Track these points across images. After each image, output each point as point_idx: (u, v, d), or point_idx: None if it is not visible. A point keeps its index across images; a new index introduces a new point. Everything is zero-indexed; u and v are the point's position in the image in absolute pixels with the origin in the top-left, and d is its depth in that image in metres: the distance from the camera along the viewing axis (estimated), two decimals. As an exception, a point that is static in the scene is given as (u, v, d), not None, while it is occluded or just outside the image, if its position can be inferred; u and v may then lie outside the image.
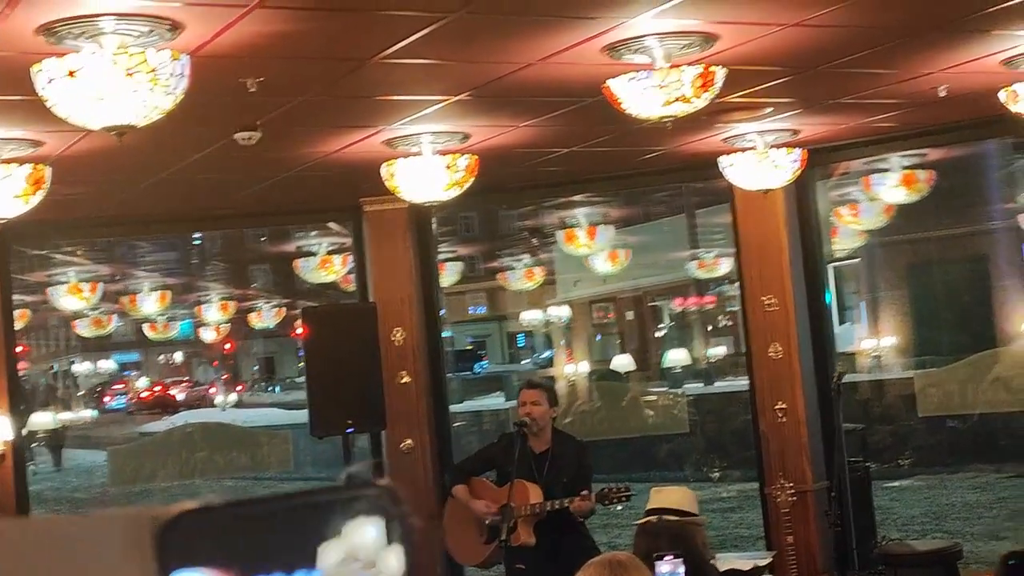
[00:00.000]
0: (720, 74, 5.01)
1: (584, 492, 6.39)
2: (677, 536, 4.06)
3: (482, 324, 48.79)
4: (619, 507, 6.59)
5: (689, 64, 4.97)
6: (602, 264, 11.86)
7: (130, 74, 3.99)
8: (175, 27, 4.14)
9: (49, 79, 4.05)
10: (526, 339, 47.35)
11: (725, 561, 6.16)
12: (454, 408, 21.38)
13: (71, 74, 4.00)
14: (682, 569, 3.27)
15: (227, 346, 44.12)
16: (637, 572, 3.46)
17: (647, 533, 4.31)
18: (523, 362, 43.09)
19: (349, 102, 5.72)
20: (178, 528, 0.60)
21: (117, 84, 3.99)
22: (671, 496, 5.32)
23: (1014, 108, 5.98)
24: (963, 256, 20.26)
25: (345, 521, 0.61)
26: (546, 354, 37.75)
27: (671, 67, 4.90)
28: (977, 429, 14.58)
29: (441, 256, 12.55)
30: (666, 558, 3.28)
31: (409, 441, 8.15)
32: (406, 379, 8.15)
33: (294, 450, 11.67)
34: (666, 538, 4.09)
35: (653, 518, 4.65)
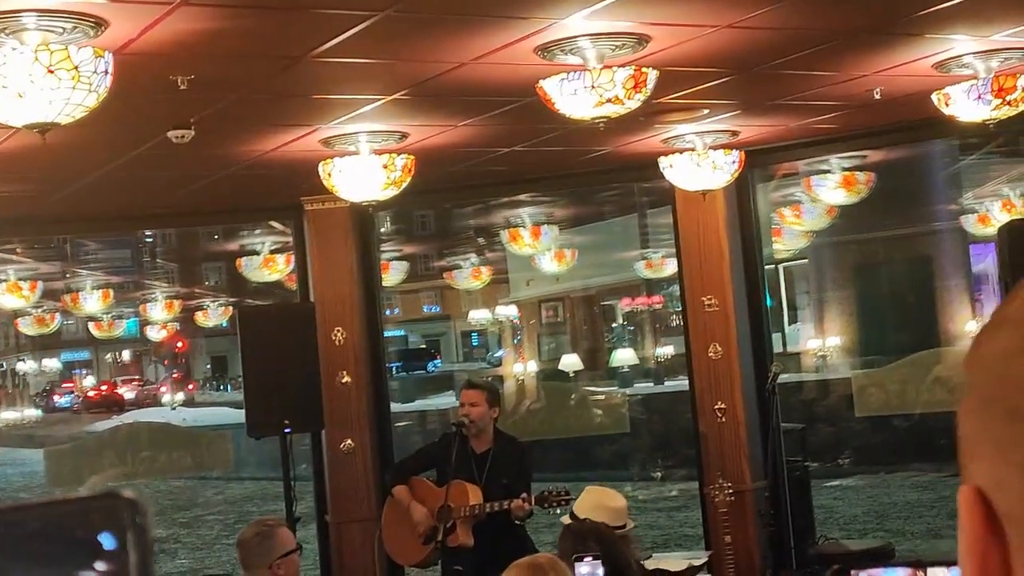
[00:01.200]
0: (652, 75, 5.02)
1: (523, 495, 6.39)
2: (600, 537, 4.06)
3: (436, 323, 48.76)
4: (558, 510, 6.58)
5: (622, 65, 4.97)
6: (548, 264, 11.88)
7: (51, 71, 3.94)
8: (99, 24, 4.10)
9: (-31, 75, 3.99)
10: (480, 338, 47.39)
11: (659, 561, 6.19)
12: (404, 408, 21.42)
13: (-9, 70, 3.95)
14: (601, 571, 3.27)
15: (179, 344, 43.85)
16: (557, 574, 3.46)
17: (572, 533, 4.32)
18: (477, 361, 43.11)
19: (284, 100, 5.68)
20: None
21: (38, 81, 3.94)
22: (585, 504, 5.32)
23: (947, 111, 6.03)
24: (908, 256, 20.46)
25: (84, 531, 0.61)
26: (499, 353, 37.80)
27: (603, 68, 4.90)
28: (918, 429, 14.72)
29: (386, 255, 12.53)
30: (585, 559, 3.28)
31: (349, 441, 8.11)
32: (346, 379, 8.11)
33: (237, 450, 11.61)
34: (592, 538, 4.10)
35: (575, 520, 4.66)
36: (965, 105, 5.87)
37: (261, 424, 7.68)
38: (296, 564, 5.02)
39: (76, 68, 3.98)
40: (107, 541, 0.61)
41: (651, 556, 6.59)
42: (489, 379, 12.49)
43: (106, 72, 4.10)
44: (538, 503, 6.39)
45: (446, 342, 48.77)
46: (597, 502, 5.34)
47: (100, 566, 0.61)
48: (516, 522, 6.55)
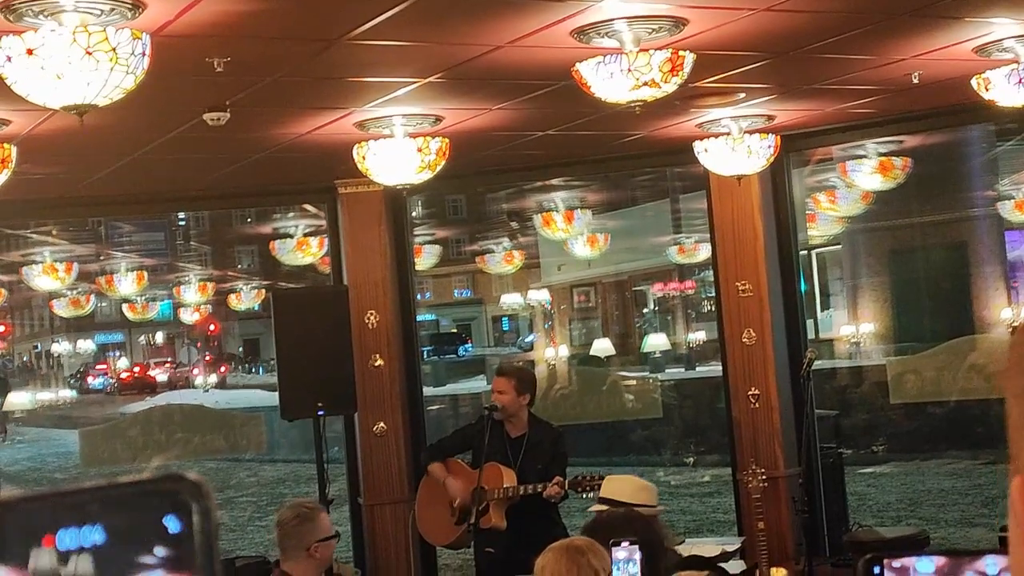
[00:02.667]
0: (689, 59, 4.99)
1: (558, 479, 6.40)
2: (633, 523, 4.05)
3: (467, 307, 48.81)
4: (591, 494, 6.59)
5: (658, 48, 4.95)
6: (581, 248, 11.86)
7: (90, 53, 3.96)
8: (136, 6, 4.11)
9: (8, 57, 4.01)
10: (511, 323, 47.42)
11: (693, 546, 6.17)
12: (435, 392, 21.47)
13: (30, 52, 3.96)
14: (638, 555, 3.26)
15: (211, 327, 44.07)
16: (594, 557, 3.45)
17: (604, 523, 4.31)
18: (508, 346, 43.14)
19: (319, 83, 5.69)
20: None
21: (76, 63, 3.95)
22: (621, 488, 5.32)
23: (987, 96, 5.97)
24: (943, 243, 20.29)
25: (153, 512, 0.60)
26: (530, 338, 37.81)
27: (640, 51, 4.88)
28: (953, 416, 14.62)
29: (419, 239, 12.53)
30: (623, 544, 3.28)
31: (382, 424, 8.14)
32: (379, 362, 8.13)
33: (270, 432, 11.67)
34: (626, 524, 4.09)
35: (602, 508, 4.66)
36: (1005, 90, 5.81)
37: (295, 407, 7.71)
38: (331, 550, 5.04)
39: (114, 50, 3.99)
40: (172, 524, 0.61)
41: (684, 541, 6.58)
42: (521, 364, 12.49)
43: (143, 54, 4.10)
44: (571, 487, 6.41)
45: (477, 326, 48.81)
46: (634, 484, 5.35)
47: (162, 551, 0.61)
48: (551, 504, 6.56)
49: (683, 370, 23.97)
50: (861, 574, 0.89)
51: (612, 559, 3.29)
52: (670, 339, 27.47)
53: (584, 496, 6.62)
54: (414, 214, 12.25)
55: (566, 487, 6.39)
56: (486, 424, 6.66)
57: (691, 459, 17.30)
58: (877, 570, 0.91)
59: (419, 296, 9.37)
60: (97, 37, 3.97)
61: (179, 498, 0.61)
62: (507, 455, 6.63)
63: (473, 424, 7.12)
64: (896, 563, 0.98)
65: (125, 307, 17.59)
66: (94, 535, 0.60)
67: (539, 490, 6.42)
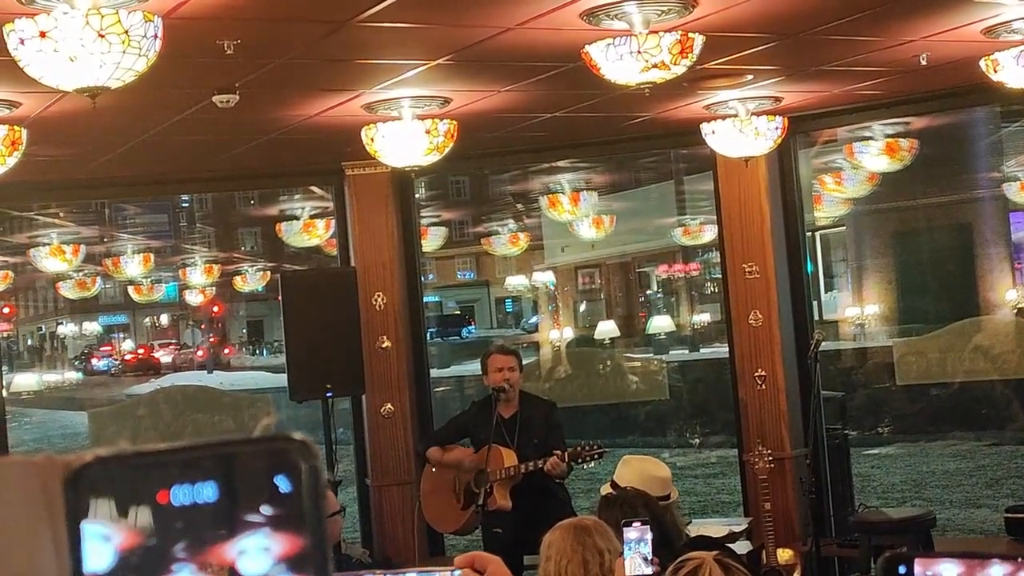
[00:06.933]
0: (698, 41, 4.99)
1: (557, 452, 6.42)
2: (647, 503, 4.07)
3: (471, 289, 48.77)
4: (591, 464, 6.64)
5: (668, 31, 4.95)
6: (587, 230, 11.86)
7: (102, 35, 3.96)
8: (148, -12, 4.11)
9: (21, 39, 4.02)
10: (514, 304, 47.39)
11: (701, 527, 6.20)
12: (440, 373, 21.48)
13: (43, 35, 3.97)
14: (650, 535, 3.27)
15: (215, 309, 44.06)
16: (601, 537, 3.48)
17: (618, 501, 4.34)
18: (512, 327, 43.15)
19: (328, 65, 5.69)
20: (89, 477, 0.60)
21: (89, 45, 3.96)
22: (642, 477, 5.33)
23: (995, 77, 5.97)
24: (948, 224, 20.28)
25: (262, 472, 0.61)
26: (533, 319, 37.81)
27: (649, 33, 4.88)
28: (957, 397, 14.64)
29: (425, 221, 12.55)
30: (634, 524, 3.29)
31: (389, 406, 8.16)
32: (387, 344, 8.15)
33: (277, 413, 11.69)
34: (640, 504, 4.11)
35: (617, 489, 4.68)
36: (1014, 71, 5.81)
37: (303, 388, 7.74)
38: (339, 526, 5.07)
39: (126, 32, 3.99)
40: (283, 484, 0.62)
41: (691, 522, 6.61)
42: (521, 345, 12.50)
43: (155, 36, 4.11)
44: (572, 459, 6.43)
45: (480, 308, 48.77)
46: (642, 472, 5.35)
47: (270, 509, 0.62)
48: (555, 482, 6.59)
49: (687, 352, 23.99)
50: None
51: (624, 539, 3.30)
52: (674, 321, 27.49)
53: (585, 467, 6.66)
54: (418, 196, 12.26)
55: (566, 459, 6.41)
56: (487, 406, 6.71)
57: (697, 440, 17.32)
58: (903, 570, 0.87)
59: (423, 278, 9.38)
60: (110, 19, 3.98)
61: (289, 458, 0.62)
62: (503, 436, 6.67)
63: (465, 412, 7.18)
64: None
65: (131, 289, 17.61)
66: (207, 491, 0.61)
67: (540, 466, 6.45)
